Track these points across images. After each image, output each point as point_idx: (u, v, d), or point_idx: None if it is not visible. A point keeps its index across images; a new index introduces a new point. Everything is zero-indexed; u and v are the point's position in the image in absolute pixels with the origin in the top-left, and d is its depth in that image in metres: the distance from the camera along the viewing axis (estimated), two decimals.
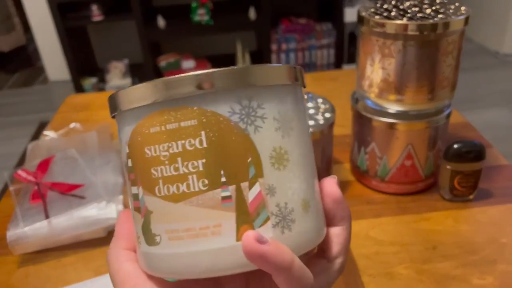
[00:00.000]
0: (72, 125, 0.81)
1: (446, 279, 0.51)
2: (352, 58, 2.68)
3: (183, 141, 0.22)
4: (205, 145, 0.22)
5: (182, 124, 0.22)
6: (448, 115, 0.60)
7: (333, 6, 2.53)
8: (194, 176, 0.22)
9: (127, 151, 0.24)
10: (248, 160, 0.22)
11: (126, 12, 2.41)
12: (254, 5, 2.48)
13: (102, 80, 2.67)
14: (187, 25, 2.46)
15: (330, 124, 0.58)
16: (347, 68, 2.56)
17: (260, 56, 2.67)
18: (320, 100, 0.63)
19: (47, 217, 0.57)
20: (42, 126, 2.34)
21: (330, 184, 0.26)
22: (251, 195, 0.22)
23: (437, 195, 0.63)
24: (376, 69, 0.57)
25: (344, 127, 0.80)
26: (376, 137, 0.61)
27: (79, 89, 2.57)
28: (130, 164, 0.24)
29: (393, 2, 0.60)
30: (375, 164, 0.62)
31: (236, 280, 0.29)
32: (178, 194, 0.22)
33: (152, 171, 0.23)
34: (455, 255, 0.53)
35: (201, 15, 2.43)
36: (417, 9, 0.56)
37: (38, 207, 0.59)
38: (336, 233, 0.27)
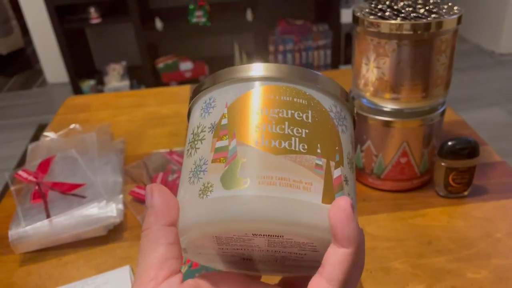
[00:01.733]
0: (72, 126, 0.82)
1: (441, 273, 0.51)
2: (348, 59, 2.69)
3: (292, 111, 0.26)
4: (310, 120, 0.26)
5: (295, 99, 0.26)
6: (443, 113, 0.61)
7: (329, 7, 2.55)
8: (297, 139, 0.25)
9: (225, 112, 0.26)
10: (336, 148, 0.26)
11: (123, 14, 2.41)
12: (251, 7, 2.49)
13: (101, 82, 2.68)
14: (184, 27, 2.46)
15: None
16: (343, 69, 2.57)
17: (257, 57, 2.68)
18: None
19: (48, 216, 0.58)
20: (41, 129, 2.35)
21: (343, 199, 0.24)
22: (335, 174, 0.25)
23: (432, 192, 0.64)
24: (371, 68, 0.58)
25: None
26: (371, 135, 0.62)
27: (77, 91, 2.58)
28: (225, 122, 0.26)
29: (387, 2, 0.61)
30: (371, 162, 0.63)
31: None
32: (279, 148, 0.25)
33: (256, 125, 0.25)
34: (450, 250, 0.54)
35: (199, 17, 2.44)
36: (410, 9, 0.57)
37: (39, 206, 0.60)
38: (337, 258, 0.24)
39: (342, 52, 2.70)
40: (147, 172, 0.71)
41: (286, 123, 0.25)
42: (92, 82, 2.63)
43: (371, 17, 0.55)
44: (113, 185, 0.66)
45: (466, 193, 0.62)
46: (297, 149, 0.25)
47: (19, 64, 3.33)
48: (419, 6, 0.58)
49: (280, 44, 2.61)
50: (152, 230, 0.25)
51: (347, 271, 0.24)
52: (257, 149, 0.24)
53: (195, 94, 0.29)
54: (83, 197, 0.61)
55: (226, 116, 0.26)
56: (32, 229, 0.57)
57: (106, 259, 0.57)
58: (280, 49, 2.62)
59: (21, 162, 2.04)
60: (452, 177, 0.60)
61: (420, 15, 0.55)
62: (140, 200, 0.66)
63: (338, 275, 0.24)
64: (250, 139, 0.25)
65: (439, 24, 0.53)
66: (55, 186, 0.63)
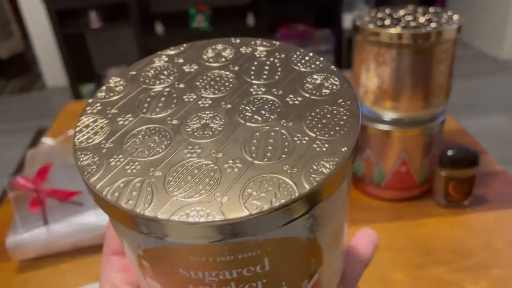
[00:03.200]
0: (71, 132, 0.82)
1: (440, 284, 0.51)
2: (351, 64, 2.69)
3: (239, 270, 0.18)
4: (267, 268, 0.18)
5: (239, 256, 0.18)
6: (443, 122, 0.61)
7: (331, 12, 2.55)
8: None
9: (141, 253, 0.19)
10: (312, 261, 0.20)
11: (124, 19, 2.42)
12: (252, 12, 2.49)
13: (100, 86, 2.68)
14: (185, 31, 2.47)
15: None
16: (345, 74, 2.57)
17: None
18: None
19: (46, 223, 0.58)
20: (40, 133, 2.34)
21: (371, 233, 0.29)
22: (309, 286, 0.20)
23: (432, 201, 0.64)
24: (371, 76, 0.58)
25: None
26: (371, 144, 0.61)
27: (77, 95, 2.58)
28: (147, 265, 0.19)
29: (387, 11, 0.61)
30: (370, 171, 0.63)
31: None
32: None
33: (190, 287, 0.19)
34: (449, 260, 0.54)
35: (200, 22, 2.44)
36: (410, 18, 0.57)
37: (37, 213, 0.60)
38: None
39: (345, 57, 2.70)
40: None
41: (232, 284, 0.18)
42: (91, 86, 2.63)
43: (371, 26, 0.55)
44: None
45: (466, 202, 0.62)
46: None
47: (19, 68, 3.33)
48: (419, 15, 0.58)
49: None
50: (102, 261, 0.26)
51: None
52: None
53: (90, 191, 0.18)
54: (81, 204, 0.61)
55: (146, 259, 0.19)
56: (30, 236, 0.57)
57: None
58: None
59: (20, 167, 2.03)
60: (452, 187, 0.60)
61: (420, 25, 0.55)
62: None
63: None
64: None
65: (439, 34, 0.53)
66: (54, 193, 0.62)
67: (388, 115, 0.59)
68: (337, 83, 0.21)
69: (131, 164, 0.18)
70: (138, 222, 0.16)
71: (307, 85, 0.21)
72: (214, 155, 0.18)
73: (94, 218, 0.59)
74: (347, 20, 2.51)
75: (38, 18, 2.69)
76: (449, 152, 0.58)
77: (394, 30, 0.53)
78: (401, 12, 0.60)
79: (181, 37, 2.51)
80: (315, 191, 0.16)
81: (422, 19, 0.57)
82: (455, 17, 0.57)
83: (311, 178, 0.17)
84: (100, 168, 0.18)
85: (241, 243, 0.17)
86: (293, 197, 0.16)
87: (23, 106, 2.80)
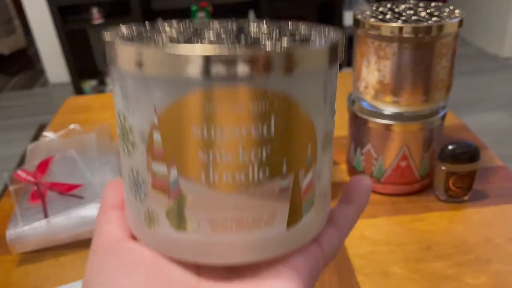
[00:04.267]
0: (72, 126, 0.82)
1: (440, 278, 0.51)
2: (351, 62, 2.69)
3: (248, 126, 0.19)
4: (272, 133, 0.19)
5: (250, 107, 0.19)
6: (443, 117, 0.61)
7: (332, 9, 2.55)
8: (255, 165, 0.20)
9: (155, 122, 0.19)
10: (308, 147, 0.21)
11: (126, 15, 2.42)
12: (253, 9, 2.49)
13: (102, 82, 2.68)
14: None
15: None
16: (346, 71, 2.58)
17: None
18: None
19: (46, 216, 0.58)
20: (42, 128, 2.35)
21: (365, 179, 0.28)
22: (305, 183, 0.21)
23: (432, 196, 0.63)
24: (371, 71, 0.58)
25: (341, 129, 0.80)
26: (372, 138, 0.61)
27: (79, 91, 2.58)
28: (157, 138, 0.20)
29: (388, 5, 0.61)
30: (371, 165, 0.63)
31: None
32: (233, 183, 0.20)
33: (201, 154, 0.19)
34: (449, 255, 0.54)
35: (201, 18, 2.44)
36: (412, 12, 0.57)
37: (37, 206, 0.60)
38: (352, 215, 0.27)
39: (345, 54, 2.70)
40: None
41: (240, 146, 0.19)
42: (93, 82, 2.63)
43: (372, 19, 0.55)
44: None
45: (466, 197, 0.62)
46: (255, 179, 0.20)
47: (21, 64, 3.33)
48: (420, 9, 0.58)
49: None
50: (99, 214, 0.26)
51: (353, 225, 0.28)
52: (205, 187, 0.20)
53: (109, 59, 0.21)
54: (82, 197, 0.61)
55: (159, 130, 0.20)
56: (30, 229, 0.57)
57: None
58: None
59: (22, 162, 2.04)
60: (452, 181, 0.60)
61: (421, 18, 0.54)
62: None
63: (347, 228, 0.27)
64: (195, 172, 0.20)
65: (440, 28, 0.53)
66: (54, 186, 0.63)
67: (389, 110, 0.59)
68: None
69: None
70: (178, 60, 0.18)
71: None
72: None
73: (95, 211, 0.59)
74: (348, 18, 2.51)
75: (40, 14, 2.69)
76: (450, 147, 0.58)
77: (395, 24, 0.53)
78: (402, 6, 0.60)
79: None
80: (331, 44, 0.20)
81: (423, 13, 0.56)
82: (457, 11, 0.57)
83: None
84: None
85: (250, 90, 0.18)
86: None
87: (25, 102, 2.80)
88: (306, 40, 0.19)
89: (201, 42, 0.18)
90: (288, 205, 0.21)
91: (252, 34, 0.21)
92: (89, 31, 2.80)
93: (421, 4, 0.61)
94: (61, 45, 2.43)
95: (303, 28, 0.23)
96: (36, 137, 2.27)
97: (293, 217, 0.21)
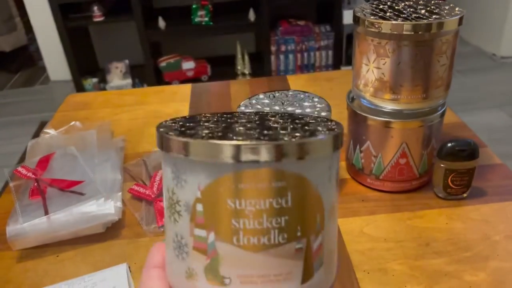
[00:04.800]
0: (72, 123, 0.82)
1: (438, 275, 0.51)
2: (350, 60, 2.68)
3: (271, 200, 0.24)
4: (290, 204, 0.24)
5: (273, 184, 0.24)
6: (442, 114, 0.61)
7: (331, 8, 2.54)
8: (276, 231, 0.24)
9: (198, 196, 0.25)
10: (317, 216, 0.26)
11: (127, 13, 2.42)
12: (253, 7, 2.49)
13: (103, 80, 2.68)
14: (187, 26, 2.47)
15: None
16: (345, 70, 2.58)
17: (259, 58, 2.68)
18: (316, 99, 0.64)
19: (46, 213, 0.58)
20: (43, 126, 2.35)
21: None
22: (315, 245, 0.26)
23: (431, 193, 0.64)
24: (371, 68, 0.58)
25: None
26: (371, 136, 0.61)
27: (80, 89, 2.58)
28: (200, 209, 0.25)
29: (388, 3, 0.61)
30: (370, 162, 0.63)
31: None
32: (259, 245, 0.24)
33: (233, 222, 0.24)
34: (448, 252, 0.54)
35: (201, 16, 2.44)
36: (411, 9, 0.57)
37: (38, 203, 0.60)
38: None
39: (344, 53, 2.69)
40: (146, 170, 0.71)
41: (264, 215, 0.24)
42: (94, 80, 2.63)
43: (372, 17, 0.55)
44: (112, 182, 0.66)
45: (465, 195, 0.62)
46: (276, 241, 0.24)
47: (22, 61, 3.33)
48: (420, 6, 0.58)
49: (282, 44, 2.61)
50: (143, 274, 0.29)
51: None
52: (236, 248, 0.24)
53: (163, 145, 0.26)
54: (82, 194, 0.62)
55: (201, 202, 0.25)
56: (30, 225, 0.57)
57: (103, 256, 0.57)
58: (282, 49, 2.62)
59: (23, 159, 2.04)
60: (451, 179, 0.60)
61: (421, 16, 0.54)
62: (138, 198, 0.66)
63: None
64: (228, 235, 0.24)
65: (440, 25, 0.53)
66: (54, 182, 0.63)
67: (388, 107, 0.59)
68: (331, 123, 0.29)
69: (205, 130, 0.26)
70: (218, 150, 0.23)
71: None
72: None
73: (95, 208, 0.60)
74: (347, 16, 2.50)
75: (42, 11, 2.69)
76: (449, 144, 0.58)
77: (395, 21, 0.53)
78: (402, 4, 0.60)
79: (183, 31, 2.51)
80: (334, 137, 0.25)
81: (423, 11, 0.56)
82: (457, 9, 0.57)
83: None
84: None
85: (272, 171, 0.24)
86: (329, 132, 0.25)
87: (27, 99, 2.80)
88: (314, 132, 0.25)
89: (232, 134, 0.25)
90: (302, 264, 0.25)
91: (271, 125, 0.27)
92: (90, 28, 2.80)
93: (421, 2, 0.61)
94: (62, 42, 2.43)
95: (311, 121, 0.29)
96: (37, 134, 2.27)
97: (307, 274, 0.25)
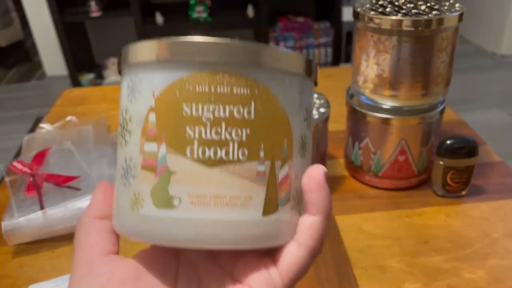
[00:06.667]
0: (69, 118, 0.81)
1: (437, 273, 0.51)
2: (349, 57, 2.69)
3: (231, 107, 0.22)
4: (252, 116, 0.22)
5: (235, 90, 0.22)
6: (442, 111, 0.61)
7: (331, 5, 2.54)
8: (236, 144, 0.22)
9: (152, 105, 0.22)
10: (284, 141, 0.23)
11: (124, 8, 2.40)
12: (252, 3, 2.48)
13: (100, 76, 2.67)
14: (185, 22, 2.46)
15: (324, 118, 0.59)
16: (344, 67, 2.58)
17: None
18: (315, 96, 0.63)
19: (42, 208, 0.58)
20: (39, 121, 2.34)
21: (317, 168, 0.25)
22: (281, 174, 0.23)
23: (430, 191, 0.63)
24: (371, 64, 0.58)
25: (339, 123, 0.80)
26: (370, 132, 0.61)
27: (76, 84, 2.57)
28: (152, 119, 0.22)
29: None
30: (368, 159, 0.63)
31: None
32: (215, 159, 0.22)
33: (188, 130, 0.22)
34: (446, 249, 0.54)
35: (199, 12, 2.43)
36: (412, 5, 0.57)
37: (33, 198, 0.60)
38: (307, 225, 0.25)
39: (343, 50, 2.69)
40: None
41: (223, 124, 0.22)
42: (91, 75, 2.62)
43: (372, 12, 0.55)
44: (108, 178, 0.65)
45: (464, 192, 0.62)
46: (235, 157, 0.22)
47: (18, 57, 3.31)
48: (420, 2, 0.58)
49: (280, 41, 2.60)
50: (83, 221, 0.26)
51: (316, 237, 0.25)
52: (190, 161, 0.22)
53: (122, 61, 0.25)
54: (78, 189, 0.61)
55: (154, 111, 0.22)
56: (26, 220, 0.56)
57: None
58: (281, 46, 2.62)
59: (18, 155, 2.03)
60: (450, 176, 0.60)
61: (421, 12, 0.54)
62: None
63: (307, 241, 0.25)
64: (181, 146, 0.22)
65: (440, 21, 0.52)
66: (50, 178, 0.62)
67: (387, 104, 0.59)
68: None
69: None
70: (178, 48, 0.22)
71: None
72: None
73: None
74: (347, 13, 2.50)
75: (38, 6, 2.67)
76: (448, 142, 0.58)
77: (395, 17, 0.53)
78: (402, 0, 0.60)
79: (181, 27, 2.50)
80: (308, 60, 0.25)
81: (423, 7, 0.56)
82: (457, 5, 0.56)
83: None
84: None
85: (236, 75, 0.22)
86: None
87: (23, 95, 2.79)
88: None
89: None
90: (265, 191, 0.23)
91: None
92: (87, 24, 2.79)
93: None
94: (59, 38, 2.42)
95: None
96: (33, 129, 2.26)
97: (269, 205, 0.23)
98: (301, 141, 0.24)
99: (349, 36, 2.67)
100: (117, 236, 0.26)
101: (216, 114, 0.22)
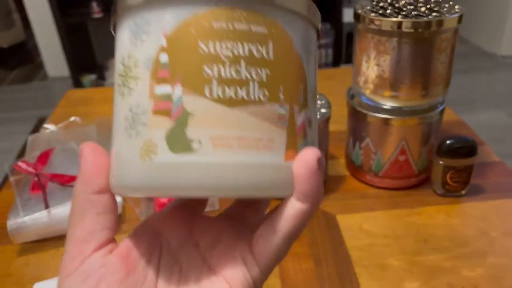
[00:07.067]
0: (72, 118, 0.82)
1: (436, 271, 0.52)
2: (350, 59, 2.69)
3: (250, 45, 0.21)
4: (271, 56, 0.21)
5: (253, 28, 0.21)
6: (442, 112, 0.62)
7: (332, 6, 2.54)
8: (256, 84, 0.21)
9: (163, 44, 0.21)
10: (301, 86, 0.22)
11: None
12: None
13: (101, 77, 2.68)
14: None
15: (326, 119, 0.60)
16: (345, 68, 2.58)
17: None
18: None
19: (46, 207, 0.58)
20: (41, 122, 2.35)
21: (311, 152, 0.22)
22: (299, 120, 0.22)
23: (430, 190, 0.64)
24: (371, 65, 0.58)
25: (340, 124, 0.81)
26: (370, 133, 0.62)
27: (78, 85, 2.58)
28: (164, 60, 0.21)
29: (388, 0, 0.61)
30: (369, 159, 0.64)
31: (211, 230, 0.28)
32: (236, 99, 0.20)
33: (205, 68, 0.20)
34: (446, 248, 0.55)
35: None
36: (412, 7, 0.58)
37: (38, 197, 0.60)
38: (292, 212, 0.23)
39: (344, 51, 2.70)
40: None
41: (243, 62, 0.20)
42: (93, 76, 2.63)
43: (372, 14, 0.56)
44: None
45: (463, 192, 0.62)
46: (256, 98, 0.21)
47: (20, 58, 3.32)
48: (420, 4, 0.59)
49: None
50: (78, 199, 0.24)
51: (298, 226, 0.23)
52: (209, 101, 0.20)
53: (119, 5, 0.23)
54: None
55: (166, 50, 0.21)
56: (31, 219, 0.57)
57: None
58: None
59: (21, 155, 2.04)
60: (449, 176, 0.60)
61: (421, 13, 0.55)
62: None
63: (288, 228, 0.23)
64: (199, 86, 0.20)
65: (440, 23, 0.53)
66: (55, 177, 0.63)
67: (388, 104, 0.59)
68: None
69: None
70: None
71: None
72: None
73: None
74: (347, 14, 2.51)
75: (40, 7, 2.68)
76: (448, 142, 0.59)
77: (395, 19, 0.53)
78: (403, 2, 0.60)
79: None
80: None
81: (423, 8, 0.57)
82: (456, 6, 0.57)
83: None
84: None
85: (255, 13, 0.21)
86: None
87: (24, 95, 2.80)
88: None
89: None
90: (286, 134, 0.22)
91: None
92: (88, 25, 2.80)
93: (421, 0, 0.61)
94: (61, 38, 2.43)
95: None
96: (35, 130, 2.27)
97: (290, 150, 0.22)
98: (313, 90, 0.24)
99: (350, 37, 2.67)
100: (116, 214, 0.25)
101: (236, 52, 0.20)
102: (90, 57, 2.82)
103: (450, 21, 0.54)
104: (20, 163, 0.65)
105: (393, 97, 0.59)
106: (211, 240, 0.27)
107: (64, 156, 0.69)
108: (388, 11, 0.56)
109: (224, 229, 0.28)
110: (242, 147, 0.20)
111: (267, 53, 0.21)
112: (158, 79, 0.21)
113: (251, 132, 0.21)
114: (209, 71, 0.20)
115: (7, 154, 2.13)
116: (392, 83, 0.58)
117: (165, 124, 0.20)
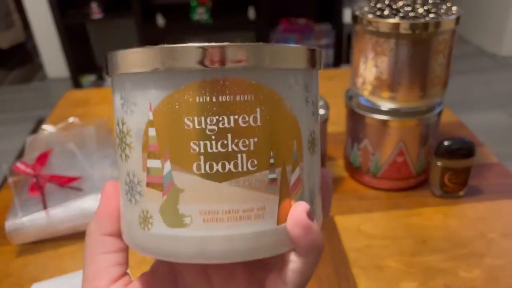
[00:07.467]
0: (71, 119, 0.82)
1: (434, 272, 0.52)
2: (350, 59, 2.69)
3: (236, 116, 0.20)
4: (259, 123, 0.21)
5: (238, 97, 0.20)
6: (440, 113, 0.62)
7: (332, 6, 2.55)
8: (244, 155, 0.20)
9: (150, 118, 0.21)
10: (294, 143, 0.22)
11: (125, 10, 2.42)
12: (253, 5, 2.49)
13: (101, 77, 2.68)
14: (186, 24, 2.47)
15: (324, 120, 0.60)
16: (345, 68, 2.58)
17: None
18: None
19: (45, 208, 0.59)
20: (40, 123, 2.35)
21: (299, 207, 0.22)
22: (292, 178, 0.22)
23: (428, 192, 0.64)
24: (369, 67, 0.59)
25: (338, 125, 0.81)
26: (368, 134, 0.62)
27: (77, 86, 2.58)
28: (152, 133, 0.21)
29: (386, 2, 0.61)
30: (367, 161, 0.64)
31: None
32: (223, 173, 0.20)
33: (192, 145, 0.20)
34: (443, 249, 0.55)
35: (201, 14, 2.44)
36: (409, 8, 0.58)
37: (37, 198, 0.60)
38: (297, 266, 0.23)
39: (344, 51, 2.70)
40: None
41: (229, 136, 0.20)
42: (92, 77, 2.63)
43: (370, 16, 0.56)
44: (110, 178, 0.66)
45: (461, 193, 0.62)
46: (245, 169, 0.21)
47: (20, 58, 3.33)
48: (418, 6, 0.59)
49: (282, 43, 2.61)
50: (91, 237, 0.25)
51: (305, 276, 0.24)
52: (197, 177, 0.20)
53: (111, 69, 0.23)
54: (80, 189, 0.62)
55: (154, 125, 0.21)
56: (29, 220, 0.57)
57: None
58: None
59: (20, 156, 2.04)
60: (447, 177, 0.60)
61: (418, 15, 0.55)
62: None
63: (296, 279, 0.24)
64: (187, 163, 0.20)
65: (437, 24, 0.53)
66: (53, 178, 0.63)
67: (386, 105, 0.59)
68: None
69: None
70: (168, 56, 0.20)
71: None
72: None
73: (94, 203, 0.60)
74: (348, 15, 2.51)
75: (40, 8, 2.68)
76: (446, 143, 0.59)
77: (392, 20, 0.54)
78: (400, 3, 0.60)
79: (182, 29, 2.51)
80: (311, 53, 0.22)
81: (421, 10, 0.57)
82: (454, 8, 0.57)
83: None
84: None
85: (238, 81, 0.20)
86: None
87: (24, 96, 2.80)
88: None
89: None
90: (278, 199, 0.22)
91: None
92: (88, 25, 2.80)
93: (419, 1, 0.61)
94: (60, 39, 2.43)
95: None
96: (35, 131, 2.27)
97: (283, 213, 0.22)
98: (310, 138, 0.23)
99: (350, 38, 2.67)
100: (127, 251, 0.26)
101: (221, 125, 0.20)
102: (89, 58, 2.83)
103: (448, 22, 0.54)
104: (19, 164, 0.65)
105: (391, 98, 0.59)
106: (224, 277, 0.27)
107: (62, 157, 0.69)
108: (386, 13, 0.56)
109: (237, 266, 0.28)
110: (232, 219, 0.21)
111: (255, 120, 0.21)
112: (149, 153, 0.21)
113: (240, 204, 0.21)
114: (195, 147, 0.20)
115: (6, 155, 2.13)
116: (390, 85, 0.58)
117: (158, 198, 0.21)
